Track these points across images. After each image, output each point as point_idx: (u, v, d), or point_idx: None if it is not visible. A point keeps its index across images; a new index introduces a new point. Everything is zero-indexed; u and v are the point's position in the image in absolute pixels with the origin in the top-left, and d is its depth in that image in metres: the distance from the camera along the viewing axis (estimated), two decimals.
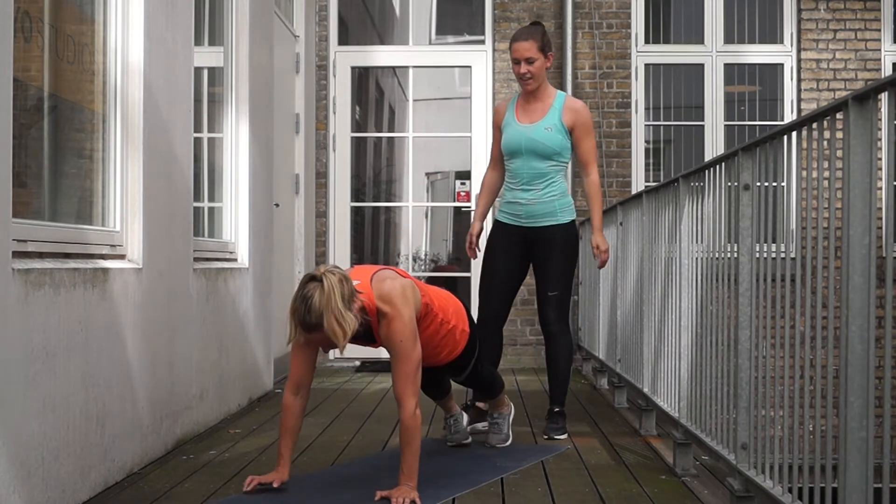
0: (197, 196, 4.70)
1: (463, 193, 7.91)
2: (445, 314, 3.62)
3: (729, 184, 3.23)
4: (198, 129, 4.80)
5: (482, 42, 7.79)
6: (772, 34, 7.81)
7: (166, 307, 4.08)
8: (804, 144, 2.58)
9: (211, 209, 5.31)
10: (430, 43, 8.16)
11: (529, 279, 6.96)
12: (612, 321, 5.68)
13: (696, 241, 3.68)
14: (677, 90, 7.88)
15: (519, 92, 4.64)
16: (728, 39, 7.78)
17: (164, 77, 4.07)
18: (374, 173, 8.59)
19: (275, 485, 3.31)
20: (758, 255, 3.00)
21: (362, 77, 8.25)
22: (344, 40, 7.88)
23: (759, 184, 2.99)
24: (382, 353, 3.72)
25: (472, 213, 4.76)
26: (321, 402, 5.65)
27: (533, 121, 4.50)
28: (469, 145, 7.76)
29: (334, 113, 7.75)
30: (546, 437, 4.45)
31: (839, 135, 2.31)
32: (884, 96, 2.07)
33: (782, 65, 7.75)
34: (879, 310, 2.86)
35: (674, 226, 3.99)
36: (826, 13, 7.64)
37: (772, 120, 7.79)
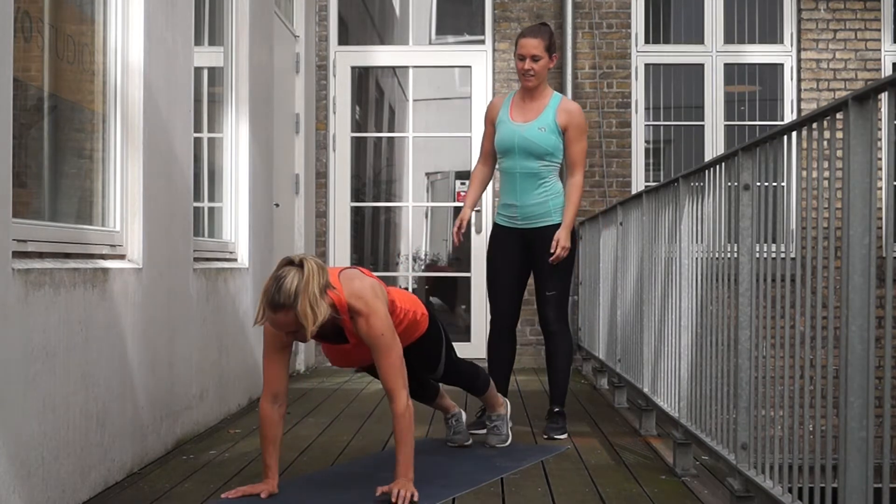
0: (197, 196, 4.70)
1: (463, 193, 7.91)
2: (405, 305, 3.61)
3: (729, 184, 3.23)
4: (198, 129, 4.80)
5: (482, 42, 7.79)
6: (772, 34, 7.81)
7: (166, 307, 4.08)
8: (804, 144, 2.58)
9: (211, 209, 5.31)
10: (430, 43, 8.16)
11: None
12: (612, 321, 5.68)
13: (696, 241, 3.68)
14: (677, 90, 7.88)
15: (516, 90, 4.64)
16: (728, 39, 7.78)
17: (164, 77, 4.07)
18: (374, 173, 8.59)
19: (263, 495, 3.24)
20: (758, 255, 3.00)
21: (362, 77, 8.25)
22: (344, 40, 7.88)
23: (759, 184, 2.99)
24: None
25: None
26: (321, 401, 5.65)
27: (527, 120, 4.50)
28: (469, 145, 7.76)
29: (334, 113, 7.75)
30: (546, 436, 4.45)
31: (839, 135, 2.31)
32: (884, 96, 2.07)
33: (782, 65, 7.75)
34: (879, 310, 2.86)
35: (674, 226, 3.99)
36: (826, 13, 7.64)
37: (772, 120, 7.79)
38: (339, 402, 5.65)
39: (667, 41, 7.87)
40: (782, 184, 2.87)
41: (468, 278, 7.79)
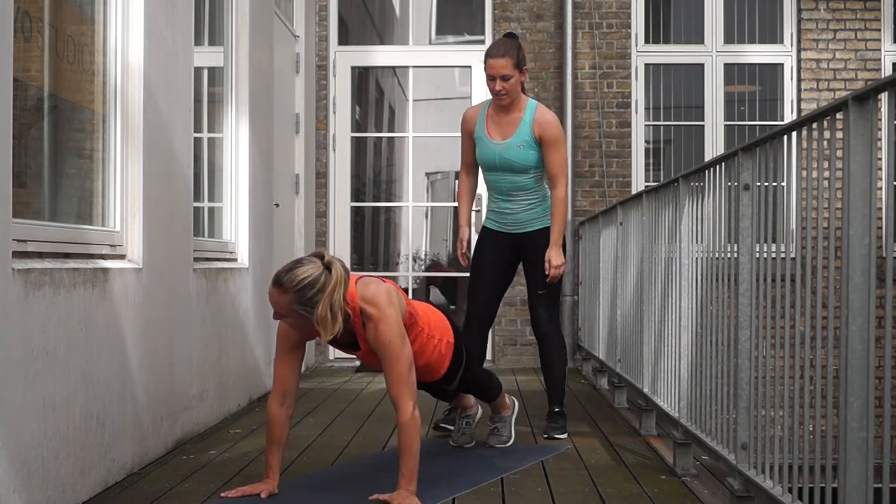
0: (197, 196, 4.70)
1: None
2: (430, 328, 3.57)
3: (729, 184, 3.23)
4: (198, 129, 4.80)
5: (482, 42, 7.78)
6: (772, 34, 7.81)
7: (166, 307, 4.08)
8: (804, 144, 2.58)
9: (211, 209, 5.31)
10: (430, 43, 8.16)
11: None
12: (612, 321, 5.68)
13: (696, 241, 3.68)
14: (677, 90, 7.88)
15: (490, 99, 4.52)
16: (728, 39, 7.78)
17: (164, 77, 4.07)
18: (374, 173, 8.59)
19: (263, 495, 3.23)
20: (758, 255, 3.00)
21: (362, 77, 8.25)
22: (344, 40, 7.88)
23: (759, 184, 2.99)
24: None
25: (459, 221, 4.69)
26: (321, 402, 5.65)
27: (505, 137, 4.43)
28: None
29: (334, 113, 7.75)
30: (546, 436, 4.44)
31: (839, 135, 2.31)
32: (884, 96, 2.07)
33: (782, 65, 7.75)
34: (879, 310, 2.86)
35: (674, 226, 3.99)
36: (826, 13, 7.64)
37: (772, 120, 7.79)
38: (339, 402, 5.65)
39: (667, 41, 7.87)
40: (782, 184, 2.87)
41: (468, 278, 7.77)
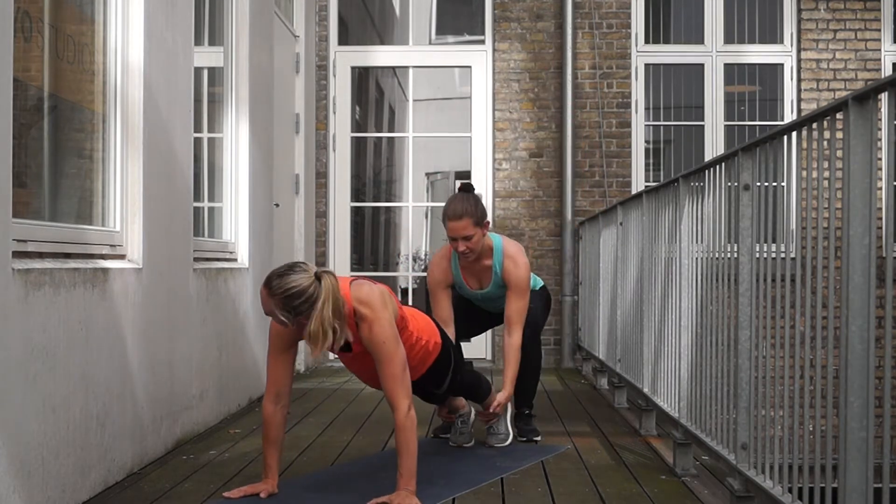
0: (197, 196, 4.70)
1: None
2: (419, 332, 3.56)
3: (729, 184, 3.23)
4: (198, 129, 4.80)
5: (482, 42, 7.79)
6: (772, 34, 7.81)
7: (166, 307, 4.08)
8: (804, 144, 2.58)
9: (211, 209, 5.31)
10: (430, 43, 8.16)
11: None
12: (612, 321, 5.68)
13: (696, 241, 3.68)
14: (677, 90, 7.88)
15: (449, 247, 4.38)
16: (728, 39, 7.78)
17: (164, 77, 4.07)
18: (374, 173, 8.59)
19: (262, 495, 3.24)
20: (758, 255, 3.00)
21: (362, 77, 8.25)
22: (344, 40, 7.88)
23: (759, 184, 2.99)
24: None
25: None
26: (321, 401, 5.65)
27: (483, 286, 4.41)
28: (469, 145, 7.76)
29: (334, 113, 7.75)
30: (524, 439, 4.39)
31: (839, 135, 2.31)
32: (884, 96, 2.07)
33: (782, 65, 7.75)
34: (879, 310, 2.86)
35: (674, 226, 3.99)
36: (826, 13, 7.64)
37: (772, 120, 7.79)
38: (339, 402, 5.65)
39: (667, 41, 7.87)
40: (782, 184, 2.87)
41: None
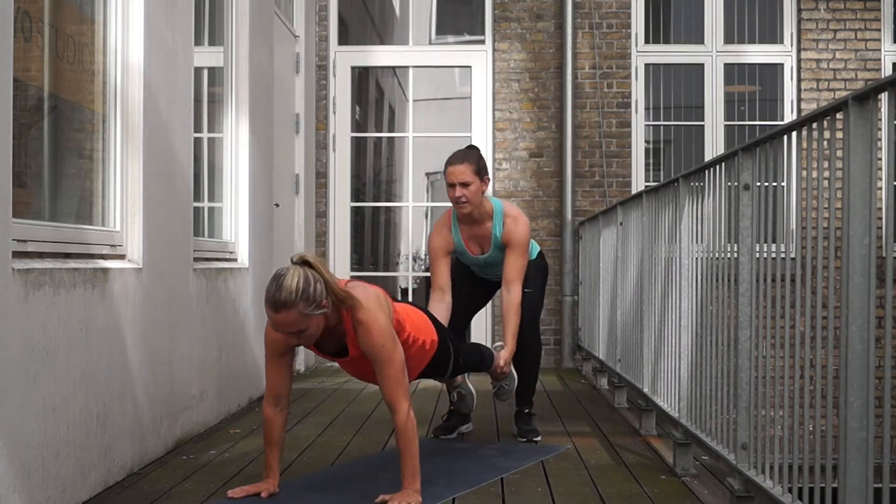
0: (197, 196, 4.70)
1: None
2: (416, 332, 3.53)
3: (729, 184, 3.23)
4: (198, 129, 4.80)
5: (482, 42, 7.79)
6: (772, 34, 7.81)
7: (166, 307, 4.08)
8: (804, 144, 2.58)
9: (211, 209, 5.31)
10: (430, 43, 8.16)
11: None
12: (612, 321, 5.68)
13: (696, 241, 3.68)
14: (677, 90, 7.88)
15: (454, 213, 4.38)
16: (728, 39, 7.79)
17: (164, 77, 4.07)
18: (374, 173, 8.59)
19: (263, 495, 3.24)
20: (758, 255, 3.00)
21: (362, 77, 8.25)
22: (344, 40, 7.88)
23: (759, 184, 2.99)
24: None
25: None
26: (321, 401, 5.65)
27: (484, 251, 4.39)
28: None
29: (334, 113, 7.75)
30: (524, 439, 4.36)
31: (839, 135, 2.31)
32: (884, 96, 2.07)
33: (782, 65, 7.75)
34: (879, 310, 2.86)
35: (674, 226, 3.99)
36: (826, 13, 7.64)
37: (772, 120, 7.79)
38: (339, 402, 5.65)
39: (667, 41, 7.87)
40: (782, 184, 2.87)
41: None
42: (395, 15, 8.35)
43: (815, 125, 2.52)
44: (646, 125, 7.83)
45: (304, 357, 7.13)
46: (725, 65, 7.78)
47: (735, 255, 3.11)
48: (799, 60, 7.68)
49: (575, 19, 7.61)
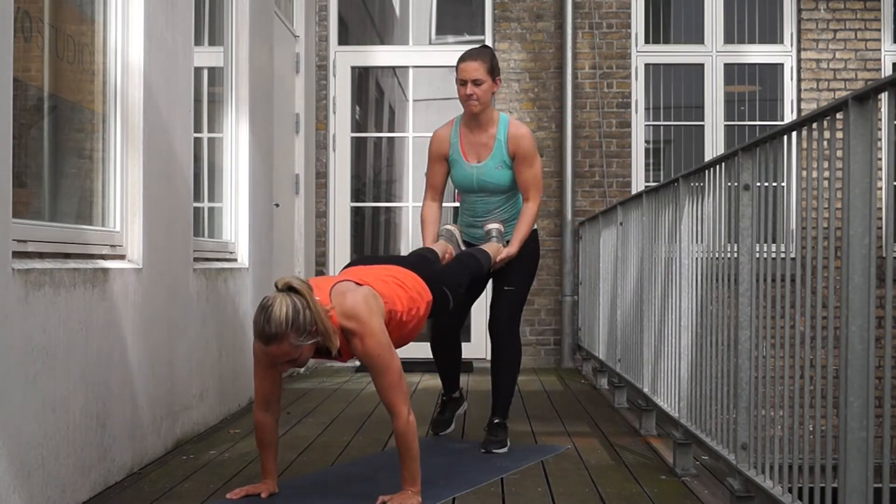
0: (197, 196, 4.70)
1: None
2: (410, 304, 3.42)
3: (729, 184, 3.23)
4: (198, 129, 4.80)
5: (482, 42, 7.78)
6: (772, 34, 7.81)
7: (166, 307, 4.08)
8: (804, 144, 2.58)
9: (211, 209, 5.31)
10: (430, 43, 8.16)
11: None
12: (612, 321, 5.68)
13: (696, 241, 3.68)
14: (677, 90, 7.88)
15: (459, 116, 4.34)
16: (728, 39, 7.79)
17: (164, 77, 4.07)
18: (374, 173, 8.59)
19: (263, 495, 3.24)
20: (758, 255, 3.00)
21: (362, 77, 8.25)
22: (344, 40, 7.88)
23: (759, 184, 2.99)
24: None
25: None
26: (321, 401, 5.65)
27: (481, 159, 4.27)
28: None
29: (334, 113, 7.75)
30: (484, 450, 4.09)
31: (839, 135, 2.31)
32: (884, 96, 2.07)
33: (782, 65, 7.75)
34: (879, 310, 2.86)
35: (674, 226, 3.99)
36: (826, 13, 7.65)
37: (772, 120, 7.79)
38: (339, 402, 5.65)
39: (667, 41, 7.88)
40: (782, 184, 2.87)
41: None
42: (395, 15, 8.35)
43: (815, 125, 2.52)
44: (646, 125, 7.83)
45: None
46: (725, 65, 7.78)
47: (735, 255, 3.11)
48: (799, 60, 7.68)
49: (575, 19, 7.61)
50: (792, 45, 7.73)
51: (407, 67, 8.04)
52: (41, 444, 2.95)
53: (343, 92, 7.78)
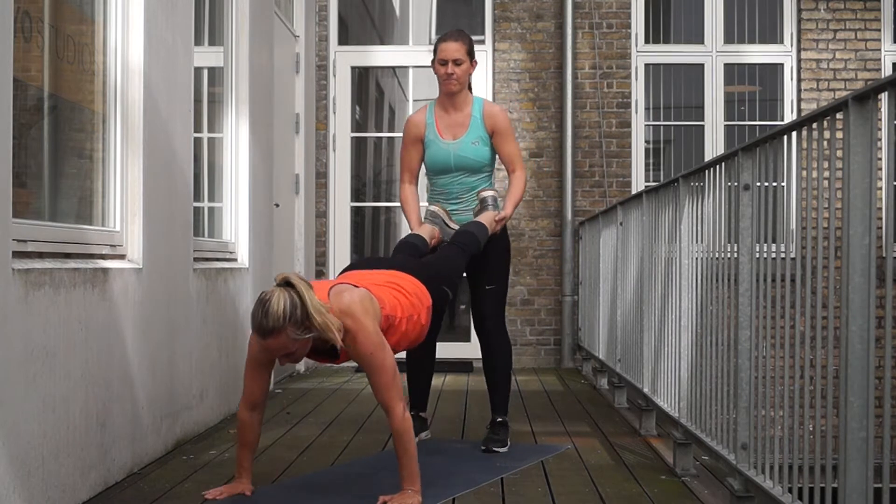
0: (197, 196, 4.70)
1: None
2: (410, 312, 3.44)
3: (729, 184, 3.23)
4: (198, 129, 4.80)
5: (482, 42, 7.78)
6: (772, 34, 7.81)
7: (166, 307, 4.08)
8: (804, 144, 2.58)
9: (211, 209, 5.31)
10: (430, 43, 8.16)
11: (520, 282, 6.98)
12: (612, 321, 5.68)
13: (696, 241, 3.68)
14: (677, 90, 7.88)
15: (432, 101, 4.37)
16: (728, 39, 7.79)
17: (164, 77, 4.07)
18: (374, 173, 8.59)
19: (248, 493, 3.29)
20: (758, 255, 3.00)
21: (362, 77, 8.25)
22: (344, 40, 7.88)
23: (759, 184, 2.99)
24: None
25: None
26: (321, 401, 5.65)
27: (457, 136, 4.30)
28: None
29: (334, 113, 7.75)
30: (484, 448, 4.11)
31: (839, 135, 2.31)
32: (884, 96, 2.07)
33: (782, 65, 7.75)
34: (879, 310, 2.86)
35: (674, 226, 3.99)
36: (826, 13, 7.65)
37: (772, 120, 7.79)
38: (339, 402, 5.65)
39: (667, 41, 7.88)
40: (782, 184, 2.87)
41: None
42: (395, 15, 8.35)
43: (815, 125, 2.52)
44: (646, 125, 7.83)
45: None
46: (725, 65, 7.78)
47: (735, 255, 3.11)
48: (799, 60, 7.68)
49: (575, 19, 7.61)
50: (792, 46, 7.73)
51: (407, 67, 8.04)
52: (41, 445, 2.95)
53: (343, 92, 7.78)
